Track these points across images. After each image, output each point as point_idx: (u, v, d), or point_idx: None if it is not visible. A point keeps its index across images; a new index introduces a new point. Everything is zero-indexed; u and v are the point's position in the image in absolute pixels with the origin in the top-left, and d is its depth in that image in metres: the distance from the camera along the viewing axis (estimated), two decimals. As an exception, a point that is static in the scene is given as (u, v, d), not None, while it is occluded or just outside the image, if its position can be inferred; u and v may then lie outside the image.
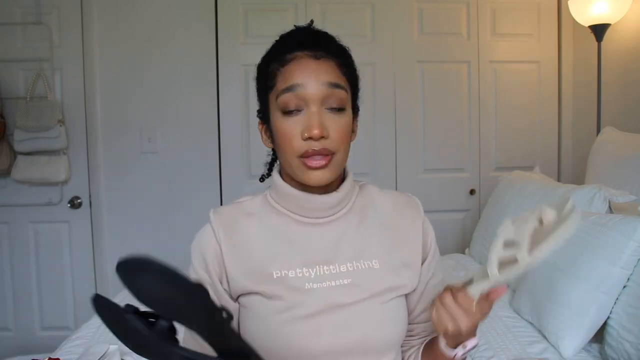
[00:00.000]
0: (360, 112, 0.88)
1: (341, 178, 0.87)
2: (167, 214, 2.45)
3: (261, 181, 0.93)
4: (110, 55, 2.40)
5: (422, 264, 0.88)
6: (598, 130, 2.03)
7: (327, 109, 0.78)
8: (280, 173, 0.87)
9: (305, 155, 0.77)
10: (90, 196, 2.41)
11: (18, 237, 2.41)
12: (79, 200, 2.41)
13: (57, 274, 2.43)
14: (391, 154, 2.50)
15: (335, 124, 0.78)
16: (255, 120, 2.52)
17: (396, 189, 2.49)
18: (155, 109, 2.43)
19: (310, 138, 0.76)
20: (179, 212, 2.45)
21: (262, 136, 0.87)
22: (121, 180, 2.43)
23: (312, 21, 0.86)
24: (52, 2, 2.32)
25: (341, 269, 0.81)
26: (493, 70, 2.52)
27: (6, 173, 2.32)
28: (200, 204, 2.44)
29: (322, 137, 0.76)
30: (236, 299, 0.84)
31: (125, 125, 2.42)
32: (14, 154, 2.33)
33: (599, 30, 1.98)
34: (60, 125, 2.29)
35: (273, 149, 0.90)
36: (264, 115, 0.85)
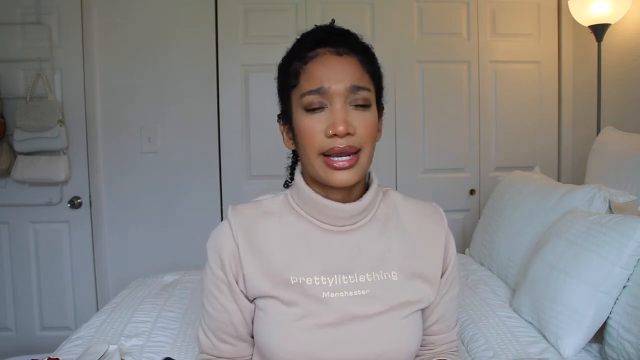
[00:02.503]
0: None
1: (365, 183, 0.84)
2: (167, 214, 2.45)
3: (285, 187, 0.90)
4: (110, 55, 2.40)
5: (440, 277, 0.86)
6: (598, 130, 2.02)
7: (352, 105, 0.76)
8: (303, 175, 0.84)
9: (329, 154, 0.74)
10: (90, 196, 2.41)
11: (18, 237, 2.41)
12: (79, 200, 2.41)
13: (57, 274, 2.43)
14: (391, 154, 2.50)
15: (361, 120, 0.75)
16: (255, 121, 2.50)
17: (396, 189, 2.49)
18: (155, 109, 2.43)
19: (335, 135, 0.73)
20: (179, 212, 2.45)
21: (283, 137, 0.85)
22: (121, 180, 2.43)
23: (333, 20, 0.84)
24: (52, 2, 2.33)
25: (360, 279, 0.79)
26: (493, 70, 2.52)
27: (6, 173, 2.32)
28: (200, 204, 2.44)
29: (348, 134, 0.74)
30: (252, 300, 0.82)
31: (125, 125, 2.42)
32: (14, 154, 2.33)
33: (599, 30, 1.98)
34: (60, 125, 2.29)
35: (293, 151, 0.88)
36: (285, 116, 0.83)
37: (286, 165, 0.92)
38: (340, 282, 0.79)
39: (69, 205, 2.39)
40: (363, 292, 0.79)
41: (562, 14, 2.48)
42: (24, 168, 2.29)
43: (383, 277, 0.80)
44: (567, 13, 2.29)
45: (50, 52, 2.32)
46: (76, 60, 2.36)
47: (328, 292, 0.78)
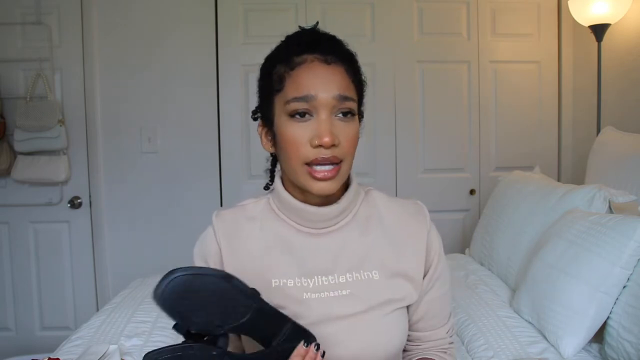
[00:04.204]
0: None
1: (345, 184, 0.84)
2: (167, 214, 2.45)
3: (266, 189, 0.91)
4: (110, 55, 2.40)
5: (424, 277, 0.85)
6: (598, 130, 2.03)
7: (337, 116, 0.76)
8: (282, 179, 0.85)
9: (313, 163, 0.75)
10: (90, 196, 2.41)
11: (18, 237, 2.41)
12: (79, 200, 2.41)
13: (57, 274, 2.43)
14: (391, 154, 2.50)
15: (345, 132, 0.76)
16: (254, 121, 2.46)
17: (396, 189, 2.49)
18: (155, 109, 2.43)
19: (320, 146, 0.74)
20: (179, 212, 2.45)
21: (262, 139, 0.84)
22: (121, 180, 2.43)
23: (317, 23, 0.83)
24: (52, 2, 2.33)
25: (340, 279, 0.80)
26: (493, 70, 2.52)
27: (6, 173, 2.32)
28: (200, 203, 2.44)
29: (333, 145, 0.74)
30: None
31: (125, 125, 2.42)
32: (14, 154, 2.33)
33: (599, 30, 1.98)
34: (60, 125, 2.29)
35: (273, 154, 0.87)
36: (266, 118, 0.82)
37: (265, 169, 0.91)
38: (320, 283, 0.80)
39: (69, 205, 2.39)
40: (344, 292, 0.80)
41: (562, 14, 2.48)
42: (24, 168, 2.29)
43: (364, 276, 0.81)
44: (567, 13, 2.29)
45: (50, 52, 2.32)
46: (76, 60, 2.36)
47: (309, 294, 0.79)
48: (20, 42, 2.34)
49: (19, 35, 2.34)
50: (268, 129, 0.82)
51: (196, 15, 2.42)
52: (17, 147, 2.28)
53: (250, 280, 0.79)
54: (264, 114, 0.83)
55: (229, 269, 0.80)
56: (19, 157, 2.30)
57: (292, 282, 0.80)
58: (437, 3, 2.48)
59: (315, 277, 0.80)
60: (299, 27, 0.82)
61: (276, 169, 0.88)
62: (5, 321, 2.42)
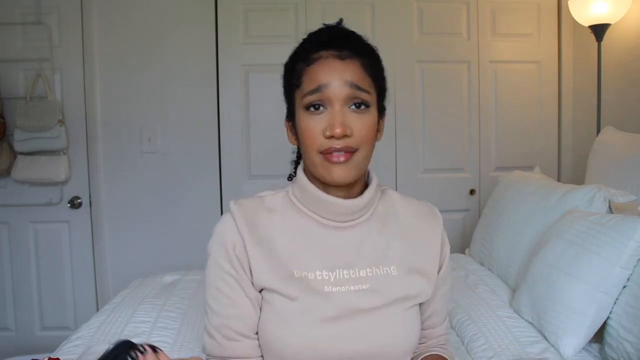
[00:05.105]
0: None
1: (365, 182, 0.87)
2: (167, 214, 2.45)
3: (289, 180, 0.93)
4: (110, 55, 2.40)
5: (437, 273, 0.89)
6: (598, 130, 2.03)
7: (351, 107, 0.78)
8: (305, 172, 0.87)
9: (327, 152, 0.77)
10: (90, 196, 2.41)
11: (18, 237, 2.41)
12: (79, 200, 2.41)
13: (57, 274, 2.43)
14: (391, 154, 2.50)
15: (359, 122, 0.78)
16: (255, 121, 2.51)
17: (396, 189, 2.49)
18: (155, 109, 2.43)
19: (332, 136, 0.76)
20: (179, 212, 2.45)
21: (287, 133, 0.88)
22: (121, 180, 2.43)
23: (341, 20, 0.86)
24: (52, 2, 2.33)
25: (360, 274, 0.82)
26: (493, 70, 2.52)
27: (6, 173, 2.32)
28: (200, 203, 2.44)
29: (345, 136, 0.76)
30: (260, 291, 0.83)
31: (125, 125, 2.42)
32: (14, 154, 2.33)
33: (599, 30, 1.98)
34: (60, 125, 2.29)
35: (298, 147, 0.90)
36: (290, 113, 0.86)
37: (291, 160, 0.94)
38: (341, 277, 0.81)
39: (69, 205, 2.39)
40: (364, 287, 0.81)
41: (562, 14, 2.48)
42: (24, 168, 2.29)
43: (383, 272, 0.83)
44: (567, 13, 2.29)
45: (50, 52, 2.32)
46: (76, 60, 2.36)
47: (330, 287, 0.80)
48: (20, 42, 2.34)
49: (19, 35, 2.33)
50: (292, 124, 0.86)
51: (196, 15, 2.42)
52: (17, 147, 2.28)
53: (273, 269, 0.81)
54: (289, 109, 0.86)
55: (254, 258, 0.81)
56: (19, 157, 2.30)
57: (314, 275, 0.80)
58: (437, 3, 2.48)
59: (337, 271, 0.81)
60: (323, 24, 0.86)
61: (300, 163, 0.90)
62: (5, 321, 2.42)
